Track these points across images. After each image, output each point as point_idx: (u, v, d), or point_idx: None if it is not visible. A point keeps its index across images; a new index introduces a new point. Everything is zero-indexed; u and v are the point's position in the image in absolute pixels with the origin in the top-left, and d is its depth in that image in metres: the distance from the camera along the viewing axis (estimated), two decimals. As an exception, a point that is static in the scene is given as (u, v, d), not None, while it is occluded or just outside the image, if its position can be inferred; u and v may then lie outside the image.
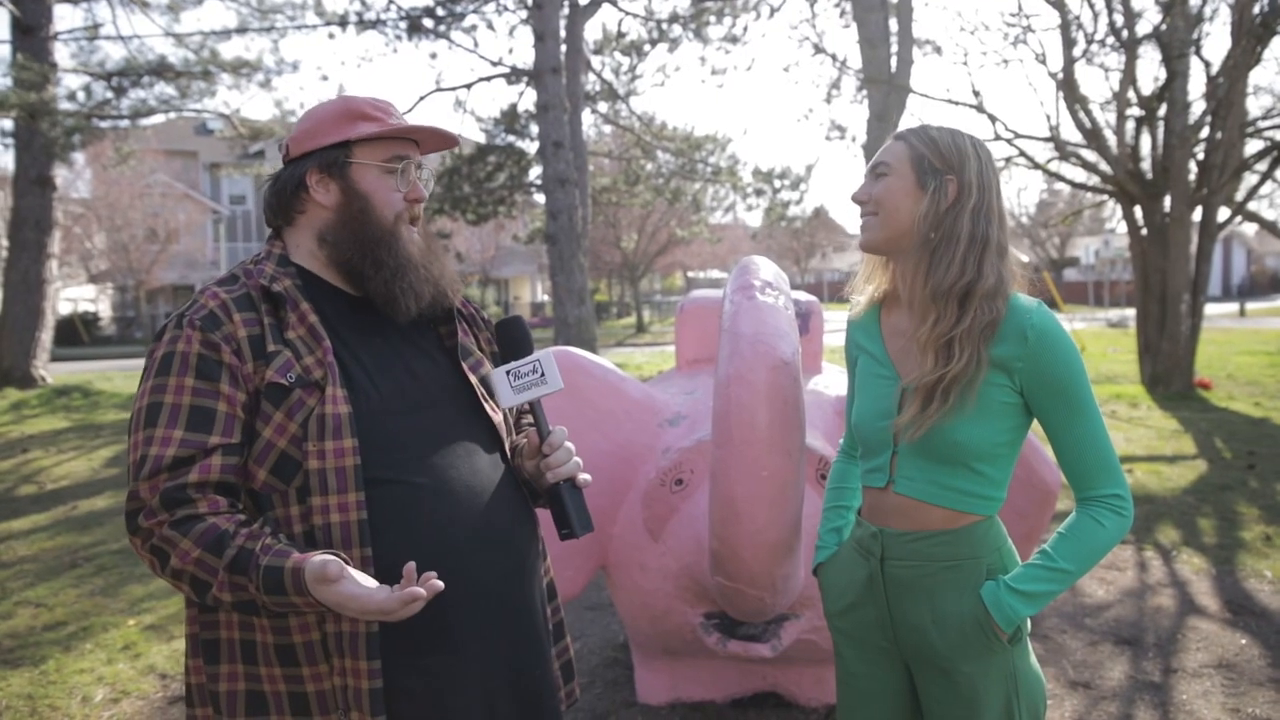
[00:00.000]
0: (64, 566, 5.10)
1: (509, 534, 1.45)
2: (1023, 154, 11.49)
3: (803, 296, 3.29)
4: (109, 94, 13.58)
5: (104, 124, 13.68)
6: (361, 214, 1.44)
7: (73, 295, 30.69)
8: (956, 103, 11.76)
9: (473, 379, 1.51)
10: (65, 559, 5.25)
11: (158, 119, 15.34)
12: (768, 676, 3.03)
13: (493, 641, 1.41)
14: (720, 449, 1.84)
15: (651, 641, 2.96)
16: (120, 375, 16.48)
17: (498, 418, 1.52)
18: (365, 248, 1.43)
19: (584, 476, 1.48)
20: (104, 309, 32.54)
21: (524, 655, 1.46)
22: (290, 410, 1.31)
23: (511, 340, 1.50)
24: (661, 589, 2.73)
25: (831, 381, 3.20)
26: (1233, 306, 31.03)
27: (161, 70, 13.48)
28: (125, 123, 14.14)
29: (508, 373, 1.45)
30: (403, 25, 14.27)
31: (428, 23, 14.27)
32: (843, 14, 15.09)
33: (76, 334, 28.50)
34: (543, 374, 1.45)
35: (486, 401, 1.51)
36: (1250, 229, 39.85)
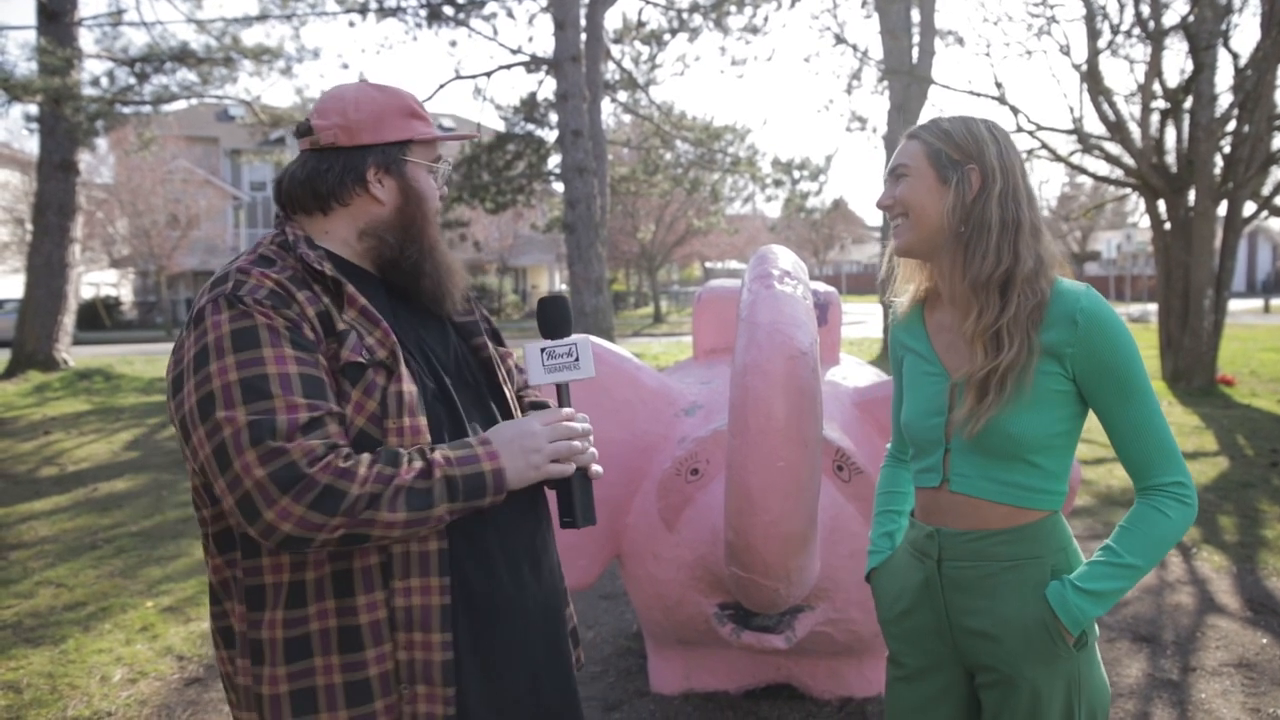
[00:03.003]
0: (84, 547, 5.16)
1: (534, 502, 1.47)
2: (1045, 146, 11.36)
3: (821, 287, 3.26)
4: (132, 80, 13.69)
5: (127, 109, 13.80)
6: (422, 215, 1.44)
7: (95, 280, 30.98)
8: (978, 94, 11.68)
9: (495, 354, 1.53)
10: (85, 540, 5.31)
11: (179, 105, 15.46)
12: (781, 668, 3.02)
13: (530, 607, 1.42)
14: (736, 439, 1.83)
15: (665, 631, 2.96)
16: (141, 359, 16.64)
17: (508, 392, 1.54)
18: (424, 246, 1.44)
19: (596, 468, 1.47)
20: (125, 293, 32.82)
21: (554, 620, 1.48)
22: (367, 389, 1.30)
23: (552, 319, 1.46)
24: (676, 579, 2.73)
25: (849, 373, 3.17)
26: (1257, 302, 30.63)
27: (184, 56, 13.56)
28: (147, 108, 14.23)
29: (542, 350, 1.42)
30: (422, 13, 14.29)
31: (447, 10, 14.28)
32: (864, 4, 14.97)
33: (98, 318, 28.79)
34: (577, 358, 1.42)
35: (506, 385, 1.53)
36: (1277, 224, 39.30)
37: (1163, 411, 1.45)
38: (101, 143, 20.56)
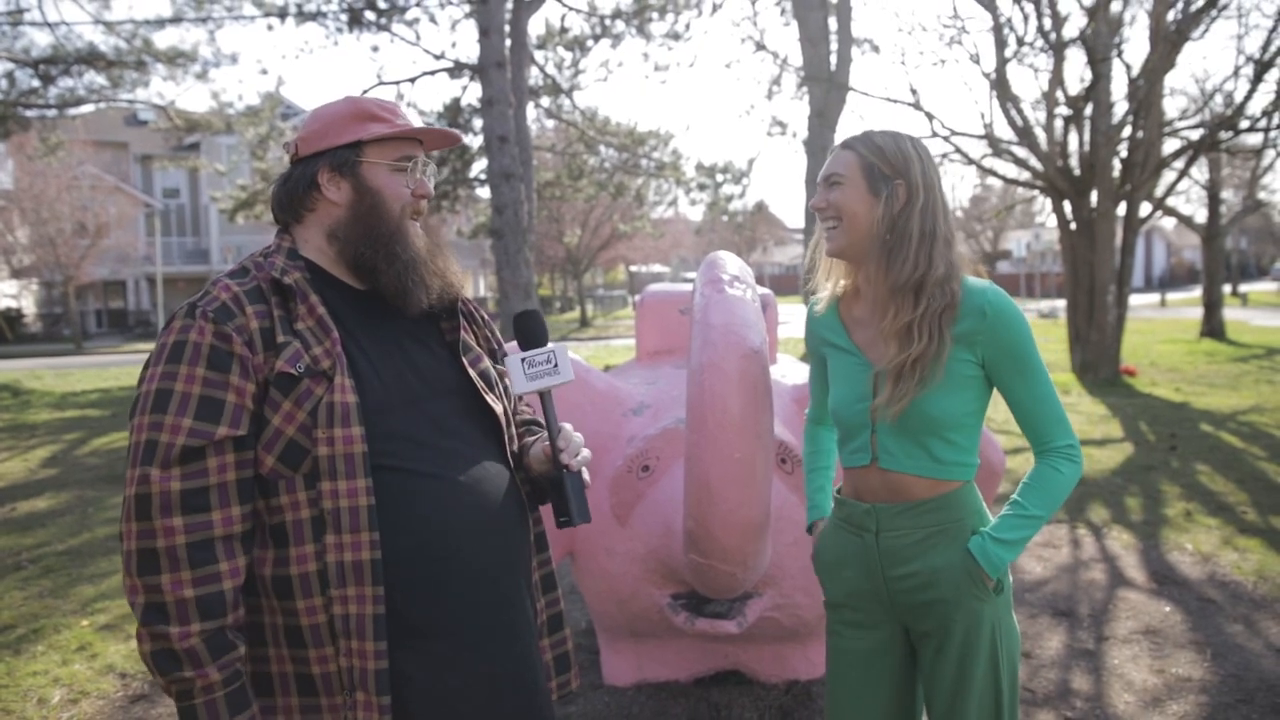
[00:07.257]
0: (7, 569, 4.98)
1: (505, 524, 1.51)
2: (958, 150, 11.86)
3: (760, 290, 3.41)
4: (35, 82, 13.13)
5: (29, 113, 13.23)
6: (373, 210, 1.49)
7: (-7, 291, 29.50)
8: (895, 100, 12.07)
9: (472, 373, 1.55)
10: (8, 561, 5.12)
11: (87, 109, 14.86)
12: (730, 655, 3.15)
13: (490, 627, 1.46)
14: (694, 434, 1.94)
15: (618, 624, 3.05)
16: (50, 374, 15.95)
17: (498, 408, 1.57)
18: (378, 242, 1.48)
19: (587, 476, 1.56)
20: (28, 305, 31.30)
21: (519, 643, 1.52)
22: (299, 399, 1.36)
23: (528, 330, 1.57)
24: (629, 572, 2.82)
25: (787, 370, 3.33)
26: (1154, 297, 32.35)
27: (91, 59, 13.07)
28: (52, 112, 13.67)
29: (522, 360, 1.52)
30: (343, 17, 14.08)
31: (369, 15, 14.10)
32: (783, 12, 15.31)
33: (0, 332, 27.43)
34: (556, 364, 1.52)
35: (487, 394, 1.56)
36: (1169, 223, 41.52)
37: (1054, 386, 1.67)
38: (0, 147, 19.60)
